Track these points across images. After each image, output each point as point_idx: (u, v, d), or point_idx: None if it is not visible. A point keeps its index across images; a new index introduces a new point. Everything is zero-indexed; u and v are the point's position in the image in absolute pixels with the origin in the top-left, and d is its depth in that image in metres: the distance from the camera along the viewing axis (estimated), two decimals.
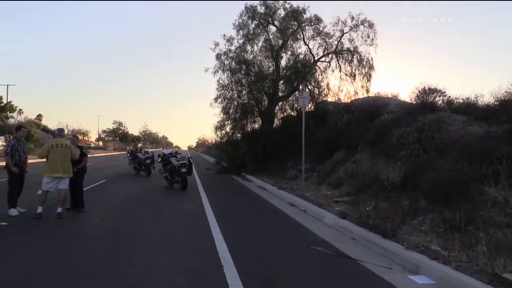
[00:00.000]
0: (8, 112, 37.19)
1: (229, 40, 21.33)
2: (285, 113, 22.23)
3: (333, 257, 5.29)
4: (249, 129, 21.84)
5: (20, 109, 39.76)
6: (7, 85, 44.66)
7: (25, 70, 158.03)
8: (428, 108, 10.87)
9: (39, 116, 79.77)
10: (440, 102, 11.33)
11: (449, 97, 11.37)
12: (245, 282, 4.18)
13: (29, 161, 8.63)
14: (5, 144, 14.13)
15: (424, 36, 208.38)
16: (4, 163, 8.32)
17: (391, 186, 8.29)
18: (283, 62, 21.80)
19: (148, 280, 4.25)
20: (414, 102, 12.35)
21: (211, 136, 29.14)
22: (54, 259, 5.03)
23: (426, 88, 11.84)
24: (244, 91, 21.57)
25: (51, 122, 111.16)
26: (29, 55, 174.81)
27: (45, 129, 63.55)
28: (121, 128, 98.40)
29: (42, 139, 49.47)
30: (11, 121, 42.21)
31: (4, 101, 37.24)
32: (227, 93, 21.47)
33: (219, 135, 22.64)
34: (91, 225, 7.41)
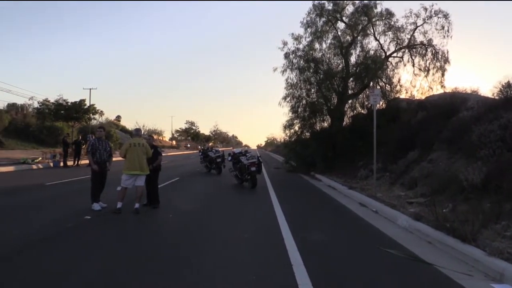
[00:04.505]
0: (91, 114, 39.99)
1: (297, 38, 21.28)
2: (355, 111, 21.79)
3: (407, 261, 5.08)
4: (318, 127, 21.71)
5: (101, 111, 42.55)
6: (90, 89, 48.39)
7: (106, 74, 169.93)
8: None
9: (118, 117, 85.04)
10: None
11: None
12: (315, 282, 4.17)
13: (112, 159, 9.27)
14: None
15: (506, 25, 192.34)
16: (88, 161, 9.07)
17: (471, 187, 7.80)
18: (352, 59, 21.39)
19: (219, 275, 4.40)
20: (496, 98, 11.51)
21: (280, 135, 29.36)
22: (132, 251, 5.38)
23: (511, 81, 10.98)
24: (312, 90, 21.45)
25: (129, 122, 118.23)
26: (108, 60, 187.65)
27: (123, 129, 67.71)
28: (193, 127, 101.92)
29: (121, 139, 52.82)
30: (93, 122, 45.53)
31: (87, 103, 40.10)
32: (296, 92, 21.48)
33: (288, 134, 22.80)
34: (166, 220, 7.82)
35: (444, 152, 10.78)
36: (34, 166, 20.50)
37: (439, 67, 19.63)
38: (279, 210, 8.92)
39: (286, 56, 21.20)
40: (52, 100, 38.43)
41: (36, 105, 42.80)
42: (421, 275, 4.58)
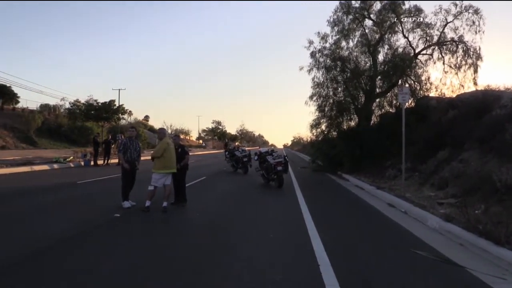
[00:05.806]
0: (120, 114, 40.84)
1: (324, 37, 21.10)
2: (383, 110, 21.41)
3: (438, 263, 4.97)
4: (345, 127, 21.47)
5: (130, 111, 43.55)
6: (119, 90, 49.61)
7: (134, 74, 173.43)
8: None
9: (147, 117, 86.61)
10: None
11: None
12: (343, 283, 4.14)
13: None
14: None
15: None
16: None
17: (505, 188, 7.56)
18: (380, 57, 21.04)
19: (245, 274, 4.42)
20: None
21: (307, 134, 29.24)
22: (159, 248, 5.50)
23: None
24: (339, 88, 21.23)
25: (157, 122, 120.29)
26: (137, 61, 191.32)
27: (151, 129, 68.89)
28: (220, 127, 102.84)
29: (149, 139, 53.79)
30: (122, 122, 46.58)
31: (116, 104, 40.99)
32: (322, 91, 21.30)
33: (315, 133, 22.63)
34: (193, 219, 7.93)
35: (475, 151, 10.49)
36: (66, 165, 21.13)
37: (470, 64, 19.03)
38: (305, 209, 8.90)
39: (312, 55, 21.06)
40: (82, 101, 39.52)
41: (67, 105, 44.19)
42: (452, 278, 4.49)
